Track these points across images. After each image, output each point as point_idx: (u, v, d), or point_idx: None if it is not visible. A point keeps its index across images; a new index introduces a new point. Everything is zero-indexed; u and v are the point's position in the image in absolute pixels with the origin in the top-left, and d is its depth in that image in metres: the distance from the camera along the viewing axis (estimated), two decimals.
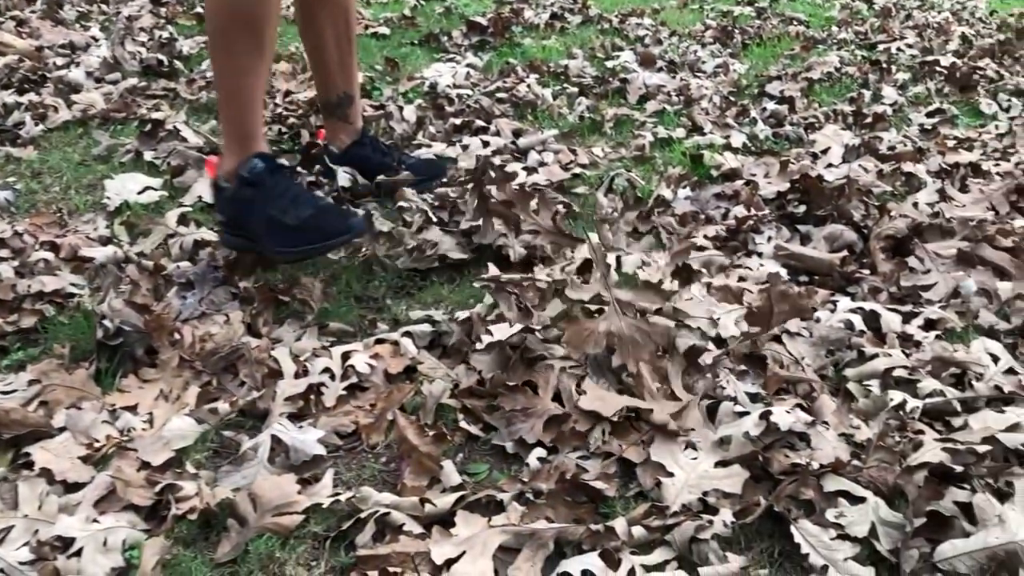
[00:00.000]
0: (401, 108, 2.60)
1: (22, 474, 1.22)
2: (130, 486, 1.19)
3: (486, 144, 2.33)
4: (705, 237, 1.92)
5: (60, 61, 3.05)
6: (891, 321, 1.58)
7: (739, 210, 2.00)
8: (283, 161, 1.84)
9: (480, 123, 2.50)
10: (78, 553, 1.09)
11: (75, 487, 1.20)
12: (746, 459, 1.23)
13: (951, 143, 2.47)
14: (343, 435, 1.35)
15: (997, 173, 2.22)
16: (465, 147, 2.33)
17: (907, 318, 1.61)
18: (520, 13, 3.68)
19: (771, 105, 2.74)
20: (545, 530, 1.11)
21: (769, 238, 1.91)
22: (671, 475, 1.20)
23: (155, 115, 2.59)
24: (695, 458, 1.23)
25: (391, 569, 1.08)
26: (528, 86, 2.83)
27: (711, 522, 1.11)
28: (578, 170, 2.26)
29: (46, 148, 2.42)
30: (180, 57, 3.12)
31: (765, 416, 1.27)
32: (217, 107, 1.78)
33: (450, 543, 1.10)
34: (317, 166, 2.15)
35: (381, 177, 2.09)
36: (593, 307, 1.50)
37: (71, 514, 1.15)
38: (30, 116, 2.51)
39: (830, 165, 2.31)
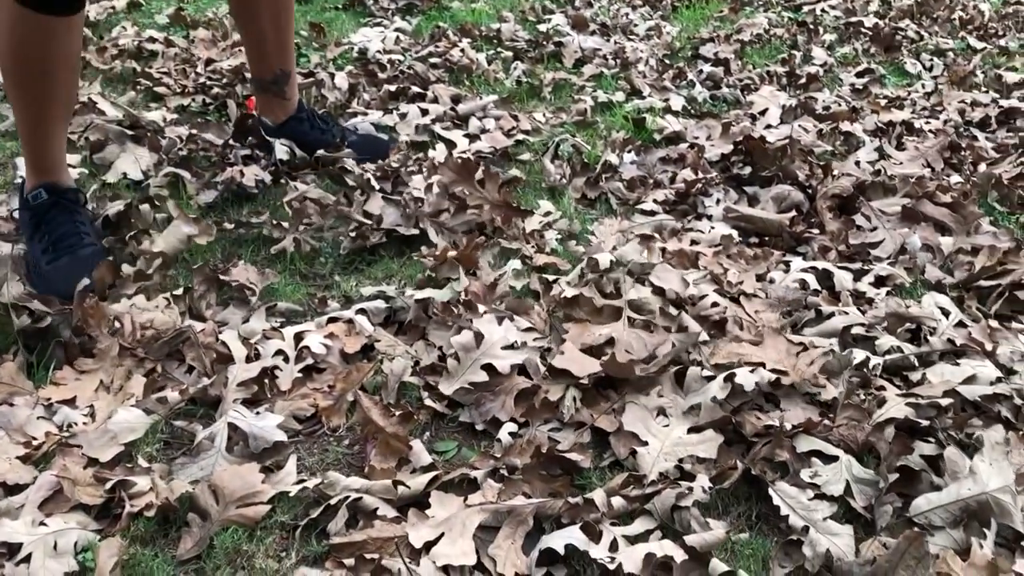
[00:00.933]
0: (332, 75, 2.50)
1: None
2: (77, 485, 1.11)
3: (425, 112, 2.26)
4: (655, 201, 1.91)
5: None
6: (844, 279, 1.60)
7: (686, 173, 1.99)
8: (73, 193, 1.63)
9: (416, 90, 2.42)
10: (27, 559, 1.02)
11: (16, 489, 1.12)
12: (718, 423, 1.22)
13: (883, 102, 2.52)
14: (302, 419, 1.29)
15: (929, 131, 2.27)
16: (403, 115, 2.25)
17: (858, 275, 1.63)
18: None
19: (707, 68, 2.74)
20: (524, 506, 1.08)
21: (718, 200, 1.91)
22: (645, 443, 1.18)
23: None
24: (667, 425, 1.22)
25: (367, 555, 1.03)
26: (462, 51, 2.76)
27: (691, 489, 1.10)
28: (521, 136, 2.22)
29: None
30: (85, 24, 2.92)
31: (729, 379, 1.27)
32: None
33: (427, 525, 1.06)
34: (250, 138, 2.05)
35: (321, 152, 2.00)
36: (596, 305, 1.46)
37: (15, 518, 1.07)
38: None
39: (769, 126, 2.32)
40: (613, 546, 1.05)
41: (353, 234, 1.71)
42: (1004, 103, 2.48)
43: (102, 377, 1.35)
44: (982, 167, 2.07)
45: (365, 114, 2.29)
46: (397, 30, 3.02)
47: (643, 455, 1.16)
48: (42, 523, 1.06)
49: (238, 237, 1.75)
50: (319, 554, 1.07)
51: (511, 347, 1.36)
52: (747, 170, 2.03)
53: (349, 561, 1.03)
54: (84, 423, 1.24)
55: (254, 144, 2.02)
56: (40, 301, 1.38)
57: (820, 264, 1.64)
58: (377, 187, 1.86)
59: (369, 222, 1.74)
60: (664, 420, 1.23)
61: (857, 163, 2.03)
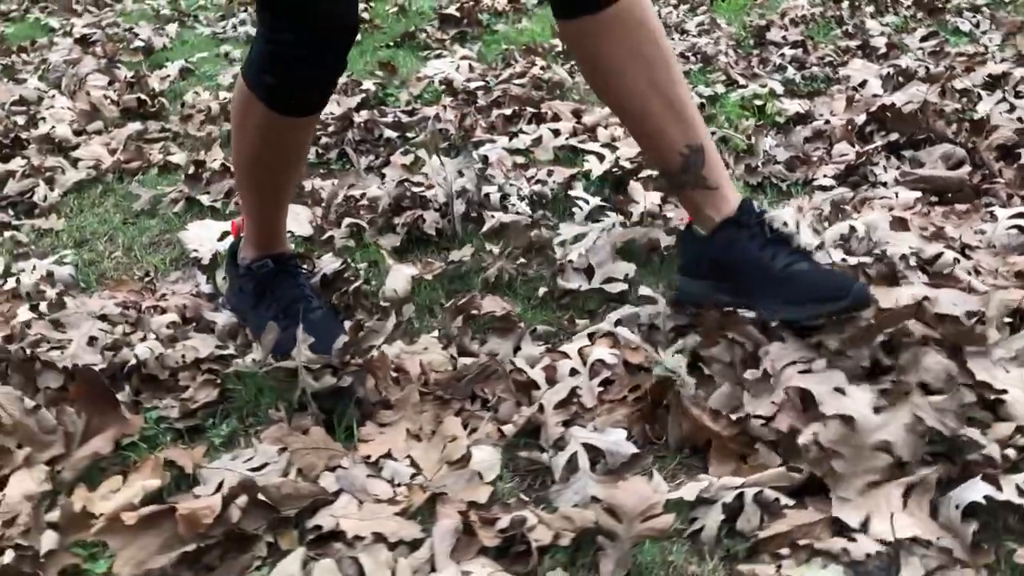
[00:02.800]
0: (435, 111, 2.50)
1: (333, 548, 1.10)
2: (477, 528, 1.09)
3: (556, 132, 2.27)
4: (826, 176, 1.95)
5: (21, 120, 2.76)
6: None
7: (841, 147, 2.04)
8: (294, 259, 1.60)
9: (531, 110, 2.43)
10: None
11: (414, 545, 1.09)
12: None
13: (964, 59, 2.61)
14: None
15: None
16: (538, 139, 2.25)
17: None
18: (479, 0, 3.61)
19: (788, 50, 2.80)
20: (930, 473, 1.09)
21: (885, 168, 1.95)
22: (1004, 392, 1.20)
23: (171, 158, 2.41)
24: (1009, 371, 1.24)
25: (800, 542, 1.04)
26: (543, 68, 2.78)
27: None
28: None
29: (71, 214, 2.19)
30: (157, 95, 2.88)
31: None
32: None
33: (852, 507, 1.07)
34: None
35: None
36: None
37: (430, 571, 1.05)
38: (42, 182, 2.27)
39: (876, 95, 2.39)
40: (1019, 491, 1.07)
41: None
42: None
43: (408, 426, 1.32)
44: None
45: (492, 141, 2.29)
46: (464, 58, 3.03)
47: (1010, 403, 1.18)
48: (465, 572, 1.04)
49: (442, 272, 1.74)
50: (743, 552, 1.06)
51: None
52: (893, 136, 2.08)
53: (784, 550, 1.04)
54: (439, 470, 1.21)
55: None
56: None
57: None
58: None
59: None
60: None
61: (989, 116, 2.09)
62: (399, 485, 1.20)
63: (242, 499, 1.11)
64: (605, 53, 1.39)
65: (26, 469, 1.25)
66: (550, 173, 2.05)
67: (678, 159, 1.40)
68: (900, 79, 2.48)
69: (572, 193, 1.93)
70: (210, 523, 1.07)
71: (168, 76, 3.10)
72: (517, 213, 1.87)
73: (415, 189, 1.93)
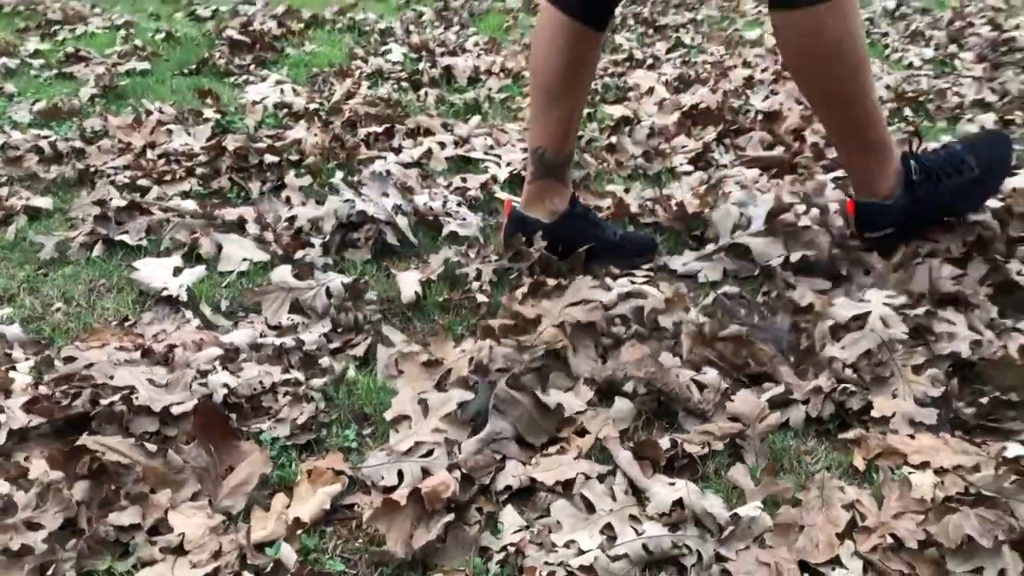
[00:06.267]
0: (295, 134, 2.57)
1: (536, 498, 1.27)
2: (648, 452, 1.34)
3: (443, 145, 2.48)
4: (681, 164, 2.42)
5: None
6: None
7: (681, 140, 2.53)
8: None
9: (400, 127, 2.61)
10: None
11: (600, 479, 1.30)
12: None
13: (711, 67, 3.27)
14: None
15: None
16: (427, 153, 2.45)
17: None
18: None
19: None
20: None
21: (721, 154, 2.48)
22: None
23: (34, 202, 2.21)
24: None
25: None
26: (396, 87, 2.95)
27: None
28: None
29: None
30: None
31: None
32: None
33: None
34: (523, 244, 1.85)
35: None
36: None
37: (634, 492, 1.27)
38: None
39: (675, 98, 2.94)
40: None
41: None
42: None
43: None
44: None
45: (382, 158, 2.44)
46: (279, 83, 3.07)
47: None
48: (669, 483, 1.27)
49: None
50: (833, 427, 1.41)
51: None
52: (709, 128, 2.62)
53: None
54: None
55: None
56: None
57: None
58: None
59: None
60: None
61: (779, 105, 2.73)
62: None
63: (456, 473, 1.25)
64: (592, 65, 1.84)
65: (177, 511, 1.25)
66: (464, 180, 2.28)
67: (565, 155, 1.83)
68: (679, 84, 3.06)
69: (504, 197, 2.18)
70: (449, 495, 1.20)
71: None
72: (463, 219, 2.08)
73: (360, 206, 2.04)
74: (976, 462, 1.28)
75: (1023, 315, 1.64)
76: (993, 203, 1.86)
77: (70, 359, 1.55)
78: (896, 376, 1.47)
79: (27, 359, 1.59)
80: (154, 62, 3.30)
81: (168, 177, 2.34)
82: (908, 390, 1.44)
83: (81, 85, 3.08)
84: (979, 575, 1.10)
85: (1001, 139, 1.89)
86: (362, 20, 3.99)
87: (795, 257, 1.80)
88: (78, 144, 2.52)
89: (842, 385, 1.45)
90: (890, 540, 1.16)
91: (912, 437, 1.35)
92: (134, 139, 2.56)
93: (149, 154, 2.47)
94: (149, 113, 2.70)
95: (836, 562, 1.14)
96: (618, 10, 3.09)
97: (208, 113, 2.70)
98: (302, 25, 3.86)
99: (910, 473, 1.28)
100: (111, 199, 2.11)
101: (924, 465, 1.29)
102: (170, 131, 2.60)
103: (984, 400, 1.42)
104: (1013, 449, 1.29)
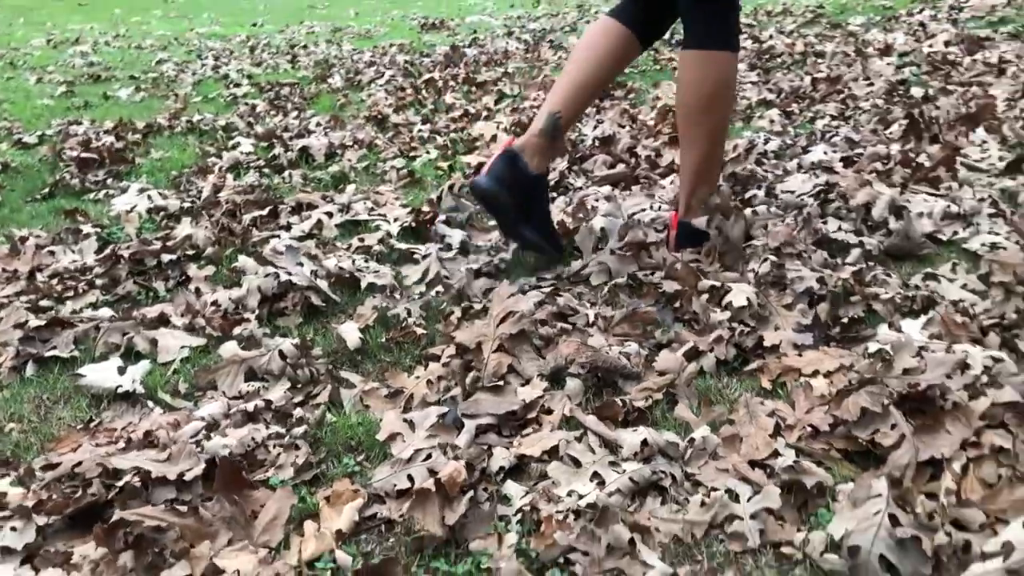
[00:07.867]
0: (188, 232, 2.68)
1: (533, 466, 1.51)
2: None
3: (330, 215, 2.68)
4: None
5: None
6: None
7: None
8: None
9: (283, 207, 2.77)
10: None
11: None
12: None
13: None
14: None
15: None
16: (318, 224, 2.64)
17: None
18: None
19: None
20: None
21: (574, 179, 2.83)
22: None
23: None
24: None
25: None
26: (265, 174, 3.09)
27: None
28: None
29: None
30: None
31: None
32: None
33: None
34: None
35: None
36: None
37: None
38: None
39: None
40: None
41: None
42: None
43: None
44: None
45: (277, 236, 2.60)
46: (143, 190, 3.15)
47: None
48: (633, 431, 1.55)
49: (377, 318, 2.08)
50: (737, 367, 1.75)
51: None
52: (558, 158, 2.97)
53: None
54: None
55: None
56: None
57: None
58: None
59: None
60: None
61: (609, 130, 3.13)
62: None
63: (460, 464, 1.47)
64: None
65: (221, 557, 1.38)
66: (362, 240, 2.49)
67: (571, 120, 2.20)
68: (517, 129, 3.42)
69: (403, 247, 2.41)
70: (464, 478, 1.41)
71: None
72: (375, 271, 2.29)
73: (284, 277, 2.20)
74: (851, 361, 1.65)
75: (845, 255, 2.08)
76: None
77: (51, 466, 1.63)
78: (774, 315, 1.83)
79: (4, 476, 1.64)
80: (1, 195, 3.27)
81: (70, 294, 2.38)
82: (786, 323, 1.80)
83: None
84: (878, 435, 1.44)
85: None
86: (200, 120, 4.10)
87: (643, 274, 2.12)
88: None
89: (737, 329, 1.79)
90: (809, 430, 1.49)
91: (800, 355, 1.70)
92: (17, 266, 2.57)
93: (39, 277, 2.50)
94: (24, 239, 2.71)
95: (776, 455, 1.45)
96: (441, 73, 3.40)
97: (87, 229, 2.75)
98: (139, 136, 3.93)
99: (808, 380, 1.62)
100: (27, 321, 2.15)
101: (815, 373, 1.64)
102: (52, 252, 2.64)
103: (844, 319, 1.81)
104: (873, 346, 1.67)
